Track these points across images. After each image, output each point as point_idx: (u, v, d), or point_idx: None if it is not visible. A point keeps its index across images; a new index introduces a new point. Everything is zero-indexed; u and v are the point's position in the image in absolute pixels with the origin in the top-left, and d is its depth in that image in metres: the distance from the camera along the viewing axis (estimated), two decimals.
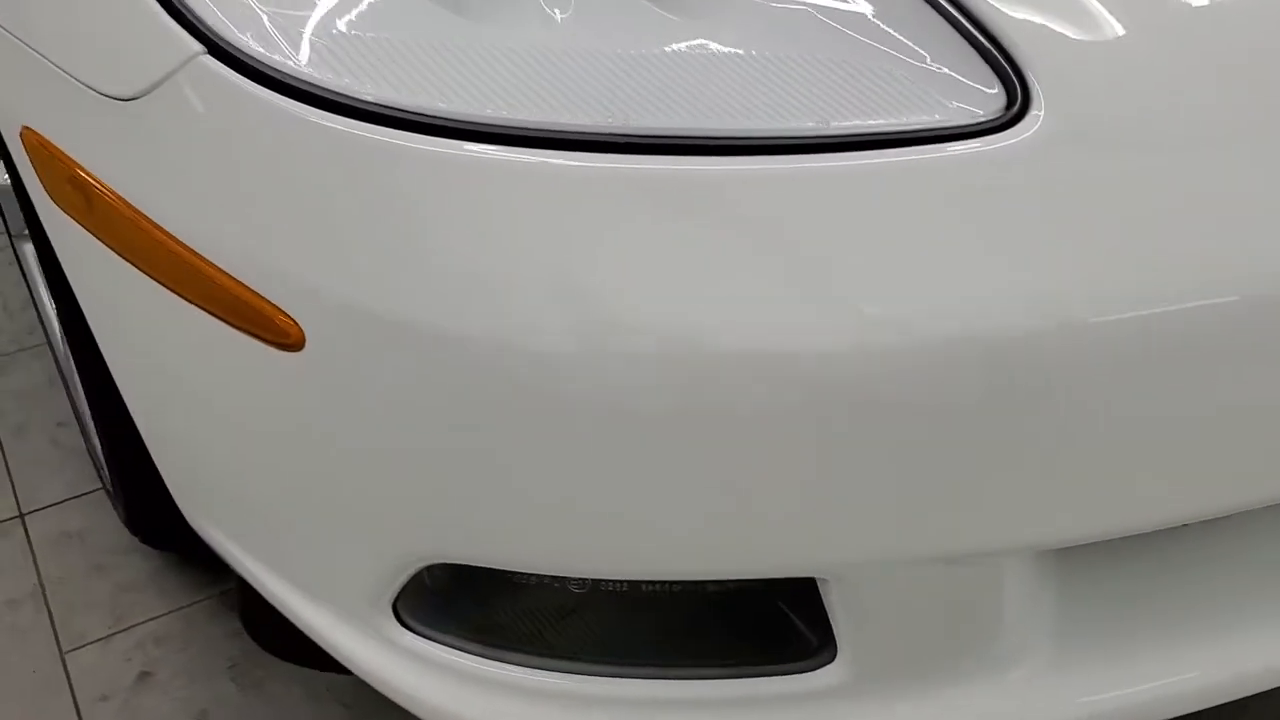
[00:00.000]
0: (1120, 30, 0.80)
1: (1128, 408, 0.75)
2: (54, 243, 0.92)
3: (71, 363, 1.42)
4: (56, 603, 1.40)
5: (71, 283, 0.94)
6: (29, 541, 1.48)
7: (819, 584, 0.81)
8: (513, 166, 0.71)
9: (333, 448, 0.79)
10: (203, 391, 0.85)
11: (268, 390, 0.79)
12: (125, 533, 1.47)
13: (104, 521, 1.50)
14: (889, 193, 0.73)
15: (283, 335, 0.74)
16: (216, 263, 0.75)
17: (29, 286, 1.69)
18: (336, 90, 0.72)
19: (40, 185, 0.87)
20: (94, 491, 1.55)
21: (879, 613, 0.83)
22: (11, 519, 1.51)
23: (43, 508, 1.53)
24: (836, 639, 0.85)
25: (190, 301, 0.79)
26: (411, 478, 0.78)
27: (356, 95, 0.72)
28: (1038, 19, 0.80)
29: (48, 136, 0.84)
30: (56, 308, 1.13)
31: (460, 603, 0.90)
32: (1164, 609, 0.96)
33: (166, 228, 0.78)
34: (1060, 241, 0.73)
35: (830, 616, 0.83)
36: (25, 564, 1.45)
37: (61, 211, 0.86)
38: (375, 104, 0.72)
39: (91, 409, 1.19)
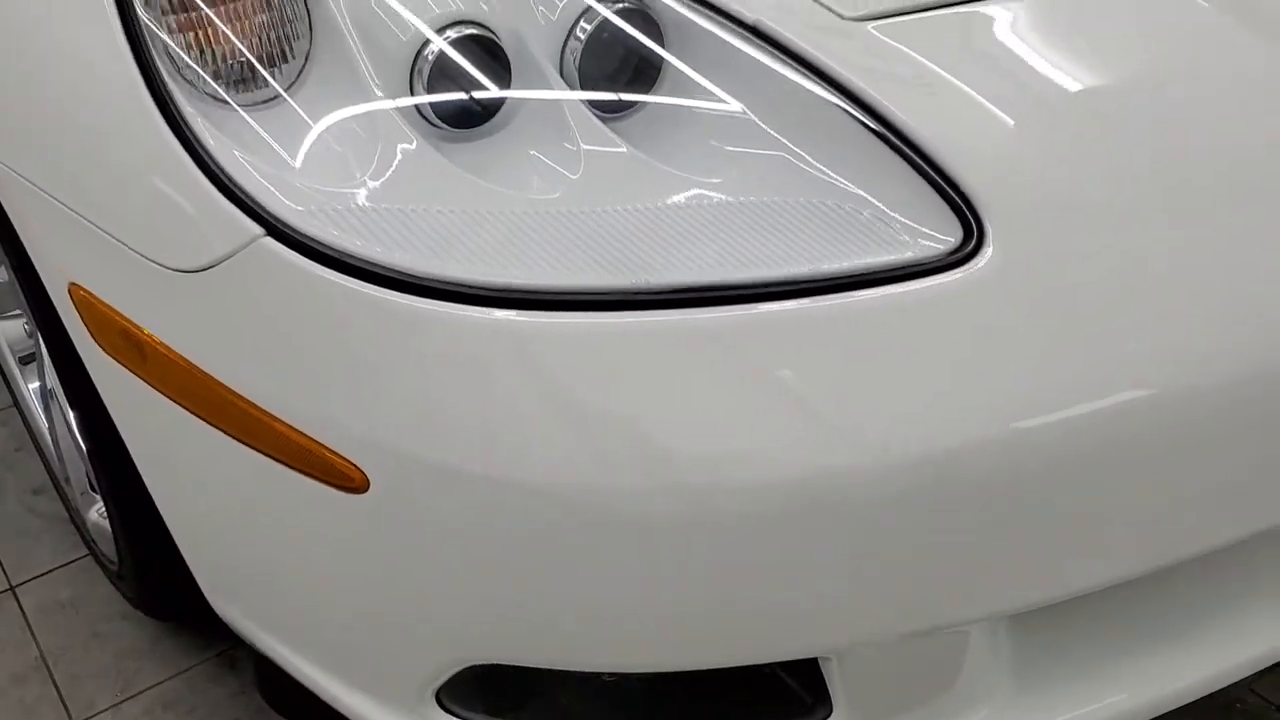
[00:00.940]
0: (1062, 158, 0.92)
1: (1089, 497, 0.87)
2: (98, 382, 0.99)
3: (54, 437, 1.48)
4: (60, 674, 1.46)
5: (114, 416, 1.01)
6: (23, 614, 1.53)
7: (820, 659, 0.93)
8: (548, 329, 0.81)
9: (389, 571, 0.88)
10: (257, 520, 0.94)
11: (329, 524, 0.88)
12: (117, 599, 1.54)
13: (94, 589, 1.56)
14: (871, 328, 0.84)
15: (346, 480, 0.83)
16: (281, 417, 0.84)
17: None
18: (387, 265, 0.81)
19: (87, 334, 0.94)
20: (80, 559, 1.60)
21: (869, 676, 0.96)
22: (2, 592, 1.56)
23: (32, 578, 1.58)
24: (832, 699, 0.97)
25: (250, 446, 0.87)
26: (460, 595, 0.88)
27: (405, 269, 0.81)
28: (987, 154, 0.91)
29: (99, 295, 0.91)
30: (78, 419, 1.19)
31: (495, 686, 1.00)
32: (1108, 635, 1.10)
33: (227, 384, 0.86)
34: (1024, 357, 0.85)
35: (828, 682, 0.95)
36: (24, 637, 1.51)
37: (110, 359, 0.94)
38: (422, 277, 0.81)
39: (113, 510, 1.25)
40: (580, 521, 0.81)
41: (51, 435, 1.51)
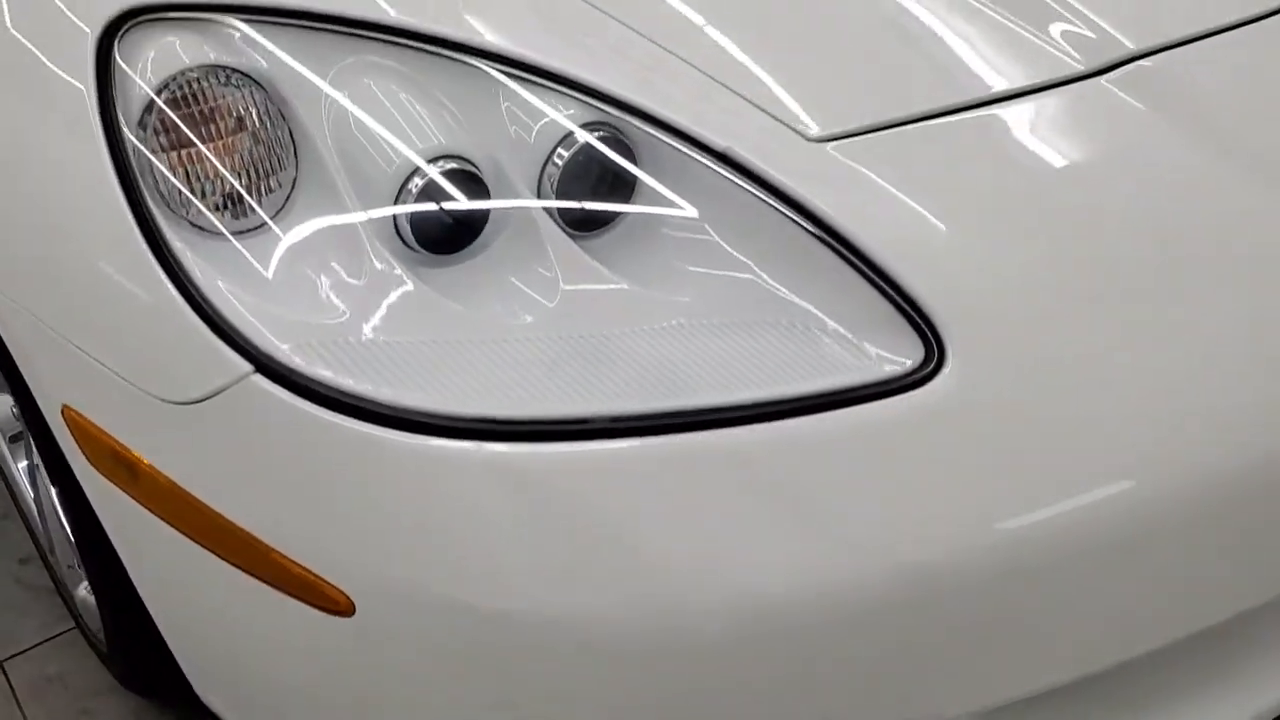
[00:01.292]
0: (1020, 272, 0.96)
1: (1068, 599, 0.91)
2: (89, 494, 1.03)
3: (40, 510, 1.50)
4: None
5: (105, 526, 1.04)
6: (12, 689, 1.56)
7: None
8: (522, 460, 0.84)
9: (374, 686, 0.92)
10: (244, 633, 0.97)
11: (315, 643, 0.91)
12: (103, 673, 1.56)
13: (81, 663, 1.59)
14: (834, 449, 0.88)
15: (332, 603, 0.87)
16: (268, 542, 0.87)
17: None
18: (371, 400, 0.84)
19: (81, 454, 0.97)
20: (67, 632, 1.63)
21: None
22: None
23: (20, 653, 1.61)
24: None
25: (237, 567, 0.91)
26: (439, 712, 0.91)
27: (389, 404, 0.84)
28: (944, 272, 0.95)
29: (91, 418, 0.94)
30: (69, 520, 1.22)
31: None
32: (1084, 712, 1.14)
33: (216, 509, 0.89)
34: (989, 468, 0.88)
35: None
36: (12, 712, 1.53)
37: (101, 476, 0.97)
38: (406, 410, 0.84)
39: (100, 596, 1.28)
40: (558, 644, 0.85)
41: (38, 507, 1.53)
